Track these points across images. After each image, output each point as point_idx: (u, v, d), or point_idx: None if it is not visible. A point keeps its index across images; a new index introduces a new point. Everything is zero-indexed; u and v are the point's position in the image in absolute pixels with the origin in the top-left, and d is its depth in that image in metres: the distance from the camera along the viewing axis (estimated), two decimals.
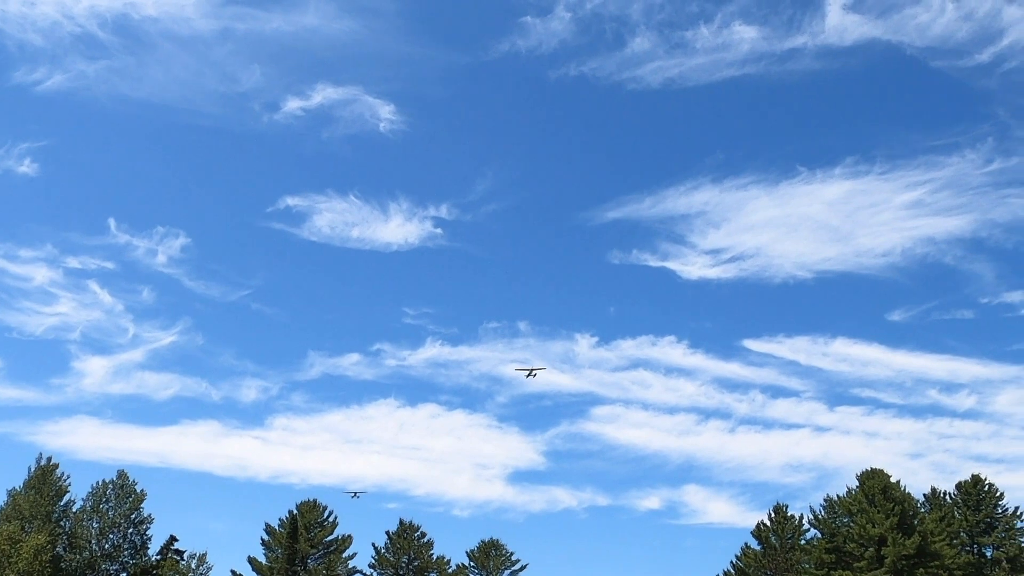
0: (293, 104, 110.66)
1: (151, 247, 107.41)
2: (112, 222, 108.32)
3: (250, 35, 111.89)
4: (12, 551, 64.10)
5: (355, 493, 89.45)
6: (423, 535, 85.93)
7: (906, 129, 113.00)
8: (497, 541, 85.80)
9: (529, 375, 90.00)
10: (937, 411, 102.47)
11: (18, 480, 73.44)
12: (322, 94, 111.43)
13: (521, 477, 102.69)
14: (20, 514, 70.82)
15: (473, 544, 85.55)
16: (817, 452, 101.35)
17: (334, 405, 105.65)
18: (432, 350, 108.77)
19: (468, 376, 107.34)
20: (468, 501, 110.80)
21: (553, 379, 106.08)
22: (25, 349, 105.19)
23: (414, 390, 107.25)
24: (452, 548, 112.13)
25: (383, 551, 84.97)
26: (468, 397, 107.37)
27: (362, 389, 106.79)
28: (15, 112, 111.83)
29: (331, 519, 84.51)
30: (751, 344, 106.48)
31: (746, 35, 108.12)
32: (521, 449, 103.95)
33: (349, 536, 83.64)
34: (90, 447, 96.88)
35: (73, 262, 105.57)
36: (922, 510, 78.04)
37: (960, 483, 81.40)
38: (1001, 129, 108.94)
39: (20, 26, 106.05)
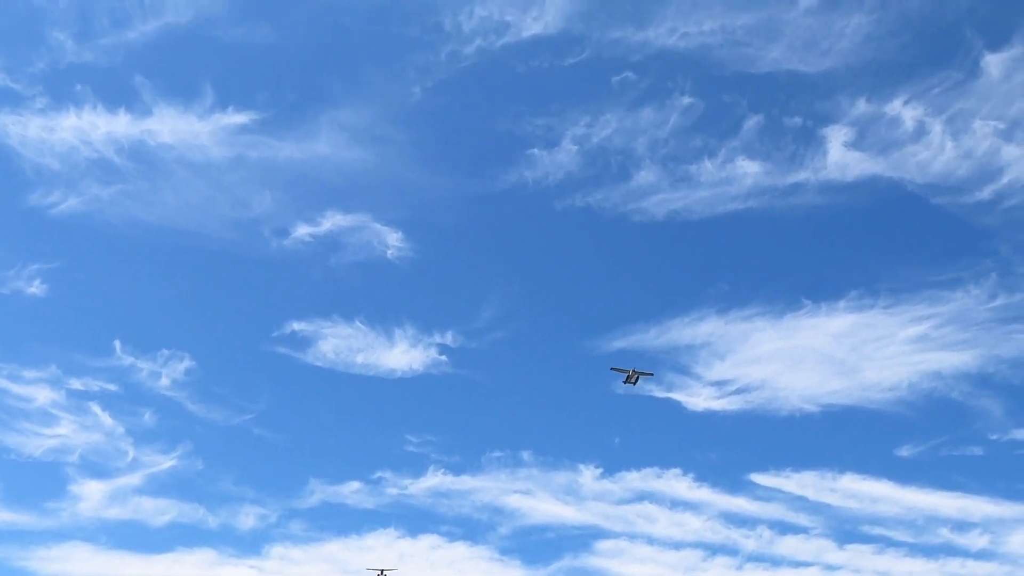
0: (302, 230, 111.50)
1: (155, 369, 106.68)
2: (118, 344, 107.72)
3: (262, 162, 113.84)
4: None
5: (381, 572, 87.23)
6: None
7: (909, 264, 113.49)
8: None
9: (628, 380, 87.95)
10: (950, 551, 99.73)
11: None
12: (331, 220, 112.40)
13: None
14: None
15: None
16: None
17: (333, 534, 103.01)
18: (434, 479, 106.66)
19: (470, 506, 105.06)
20: None
21: (556, 511, 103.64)
22: (23, 471, 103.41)
23: (415, 520, 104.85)
24: None
25: None
26: (470, 528, 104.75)
27: (362, 518, 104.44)
28: (29, 234, 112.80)
29: None
30: (758, 478, 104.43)
31: (749, 169, 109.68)
32: None
33: None
34: (83, 574, 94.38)
35: (76, 383, 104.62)
36: None
37: None
38: (1004, 265, 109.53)
39: (39, 150, 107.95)
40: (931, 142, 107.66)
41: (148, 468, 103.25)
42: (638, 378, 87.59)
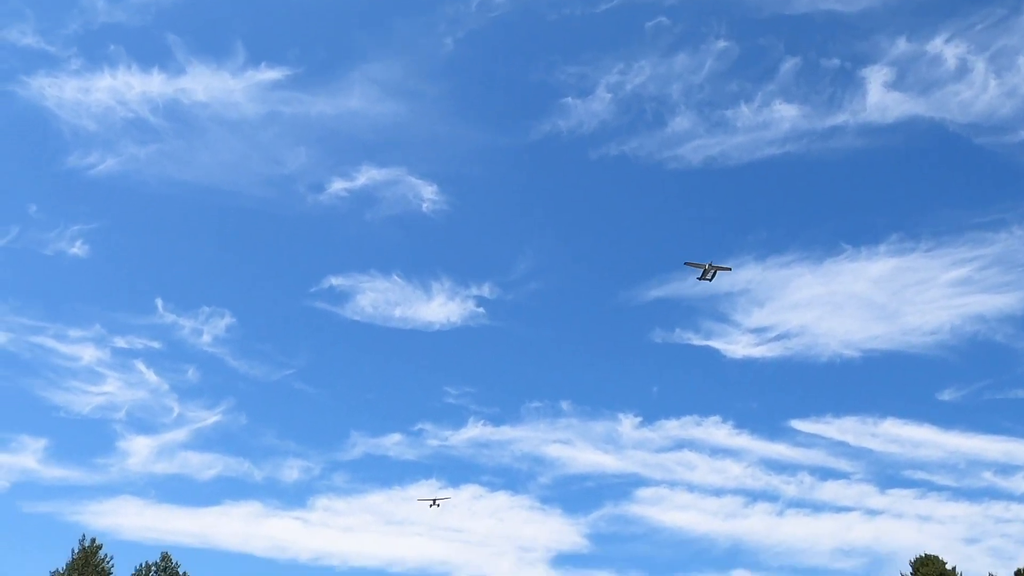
0: (338, 185, 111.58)
1: (197, 327, 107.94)
2: (159, 302, 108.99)
3: (296, 118, 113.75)
4: None
5: (434, 500, 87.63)
6: None
7: (951, 206, 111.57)
8: None
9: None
10: (993, 494, 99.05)
11: (61, 561, 73.45)
12: (366, 175, 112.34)
13: (564, 560, 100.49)
14: None
15: None
16: (869, 536, 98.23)
17: (376, 486, 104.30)
18: (474, 430, 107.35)
19: (510, 456, 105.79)
20: None
21: (597, 459, 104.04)
22: (72, 428, 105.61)
23: (456, 471, 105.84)
24: None
25: None
26: (510, 478, 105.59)
27: (404, 469, 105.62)
28: (68, 195, 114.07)
29: None
30: (798, 424, 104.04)
31: (787, 113, 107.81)
32: (564, 531, 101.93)
33: None
34: (133, 527, 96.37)
35: (120, 342, 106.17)
36: None
37: (1019, 570, 78.56)
38: None
39: (75, 112, 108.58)
40: (973, 81, 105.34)
41: (193, 424, 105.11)
42: (715, 273, 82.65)
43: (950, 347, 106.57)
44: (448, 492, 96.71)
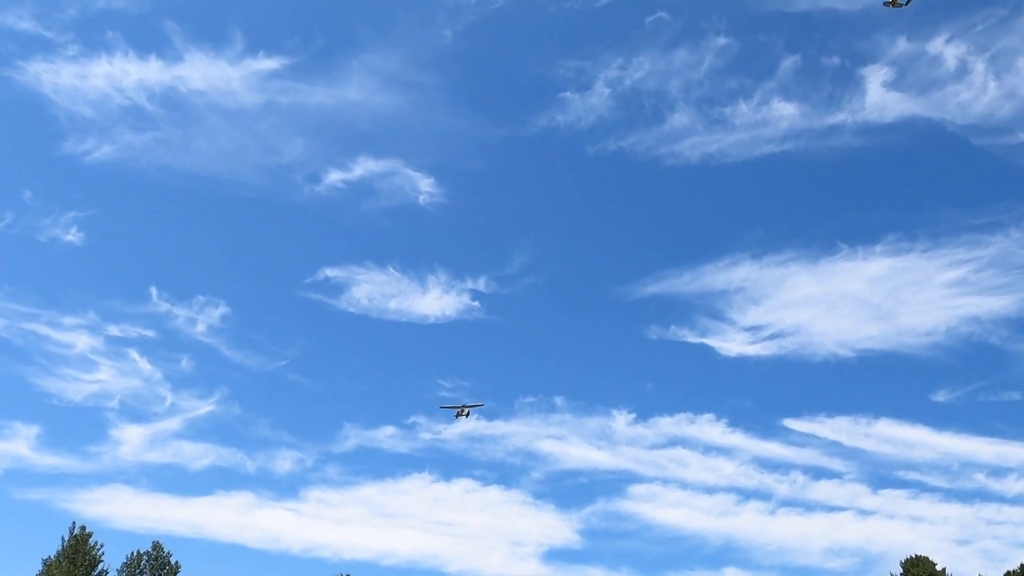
0: (334, 176, 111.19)
1: (191, 316, 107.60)
2: (154, 291, 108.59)
3: (294, 108, 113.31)
4: None
5: (462, 407, 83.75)
6: None
7: (948, 207, 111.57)
8: None
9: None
10: (985, 496, 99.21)
11: (52, 549, 73.25)
12: (363, 166, 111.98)
13: (556, 555, 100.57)
14: None
15: None
16: (861, 536, 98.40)
17: (368, 478, 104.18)
18: (468, 424, 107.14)
19: (503, 451, 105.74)
20: None
21: (590, 455, 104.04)
22: (64, 416, 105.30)
23: (449, 464, 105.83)
24: None
25: None
26: (503, 473, 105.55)
27: (396, 462, 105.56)
28: (63, 182, 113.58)
29: None
30: (792, 423, 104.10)
31: (785, 112, 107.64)
32: (556, 527, 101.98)
33: None
34: (125, 516, 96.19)
35: (114, 330, 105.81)
36: None
37: (1009, 572, 78.79)
38: None
39: (72, 98, 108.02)
40: (973, 81, 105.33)
41: (186, 413, 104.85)
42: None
43: (945, 348, 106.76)
44: (439, 488, 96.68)
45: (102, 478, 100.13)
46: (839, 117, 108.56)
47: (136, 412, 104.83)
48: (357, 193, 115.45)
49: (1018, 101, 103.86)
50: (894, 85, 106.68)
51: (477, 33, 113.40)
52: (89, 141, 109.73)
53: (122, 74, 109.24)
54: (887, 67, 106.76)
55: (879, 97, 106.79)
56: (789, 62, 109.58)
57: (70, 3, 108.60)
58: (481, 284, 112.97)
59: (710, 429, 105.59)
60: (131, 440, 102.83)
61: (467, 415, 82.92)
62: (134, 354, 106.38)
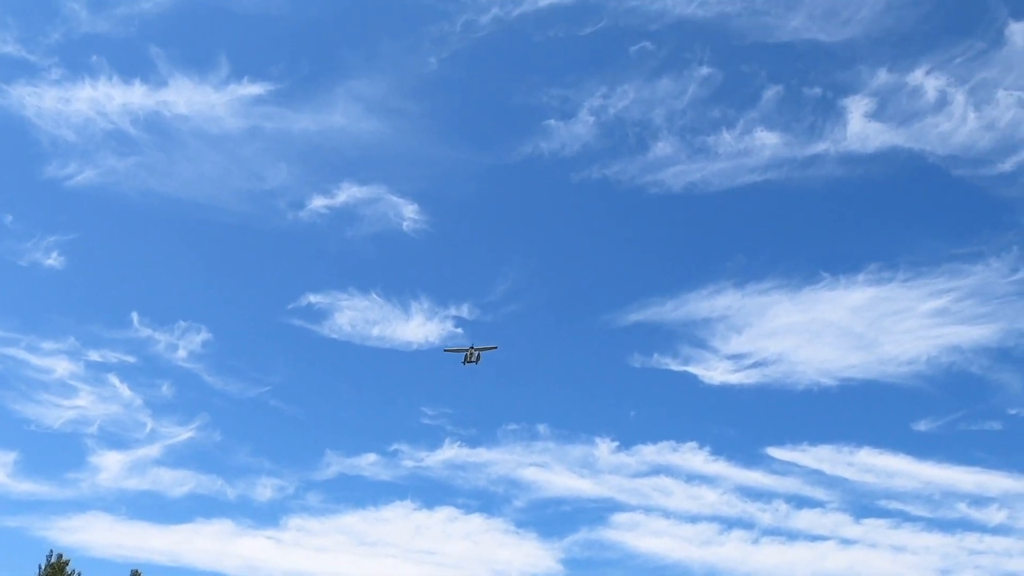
0: (318, 202, 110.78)
1: (172, 341, 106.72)
2: (135, 316, 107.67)
3: (278, 134, 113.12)
4: None
5: (472, 350, 75.77)
6: None
7: (929, 237, 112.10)
8: None
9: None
10: (967, 525, 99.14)
11: None
12: (347, 192, 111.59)
13: None
14: None
15: None
16: (843, 566, 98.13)
17: (350, 506, 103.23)
18: (450, 451, 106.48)
19: (486, 479, 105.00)
20: None
21: (573, 484, 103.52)
22: (42, 442, 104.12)
23: (431, 492, 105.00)
24: None
25: None
26: (486, 501, 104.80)
27: (378, 490, 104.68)
28: (45, 206, 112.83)
29: None
30: (774, 452, 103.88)
31: (768, 141, 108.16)
32: (539, 555, 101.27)
33: None
34: (103, 544, 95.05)
35: (95, 355, 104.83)
36: None
37: None
38: None
39: (55, 122, 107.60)
40: (953, 112, 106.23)
41: (166, 439, 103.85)
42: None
43: (926, 377, 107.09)
44: (421, 516, 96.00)
45: (80, 505, 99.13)
46: (821, 147, 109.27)
47: (115, 438, 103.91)
48: (341, 219, 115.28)
49: (997, 132, 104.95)
50: (875, 116, 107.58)
51: (462, 60, 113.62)
52: (71, 165, 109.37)
53: (106, 98, 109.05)
54: (868, 98, 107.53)
55: (860, 127, 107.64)
56: (772, 92, 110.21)
57: (55, 27, 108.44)
58: (464, 311, 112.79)
59: (693, 457, 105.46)
60: (110, 467, 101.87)
61: (477, 360, 77.22)
62: (114, 380, 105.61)
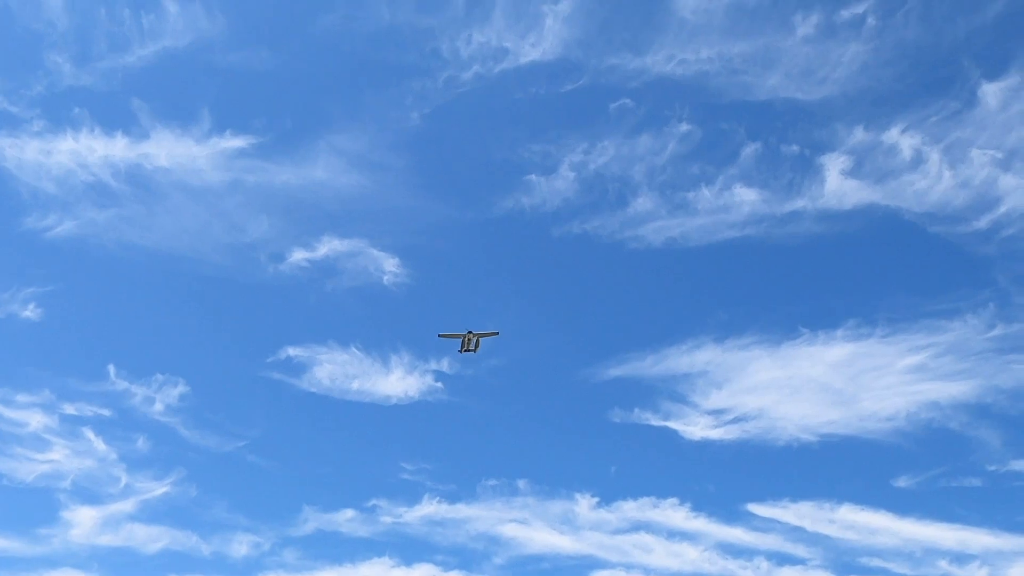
0: (299, 255, 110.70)
1: (149, 395, 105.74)
2: (112, 368, 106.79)
3: (259, 187, 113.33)
4: None
5: (470, 336, 69.64)
6: None
7: (907, 293, 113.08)
8: None
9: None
10: None
11: None
12: (328, 246, 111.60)
13: None
14: None
15: None
16: None
17: (327, 562, 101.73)
18: (429, 507, 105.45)
19: (465, 535, 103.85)
20: None
21: (553, 540, 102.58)
22: (15, 497, 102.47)
23: (409, 549, 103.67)
24: None
25: None
26: (465, 558, 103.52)
27: (356, 547, 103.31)
28: (24, 258, 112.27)
29: None
30: (755, 508, 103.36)
31: (747, 197, 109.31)
32: None
33: None
34: None
35: (70, 408, 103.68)
36: None
37: None
38: (1002, 295, 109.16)
39: (35, 174, 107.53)
40: (928, 171, 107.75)
41: (141, 494, 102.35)
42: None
43: (906, 433, 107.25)
44: (399, 573, 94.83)
45: (51, 562, 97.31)
46: (799, 203, 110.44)
47: (89, 493, 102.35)
48: (321, 272, 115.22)
49: (972, 191, 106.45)
50: (852, 173, 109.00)
51: (444, 116, 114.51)
52: (51, 217, 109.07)
53: (87, 151, 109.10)
54: (845, 155, 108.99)
55: (838, 184, 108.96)
56: (750, 149, 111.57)
57: (37, 80, 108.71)
58: (445, 365, 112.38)
59: (674, 514, 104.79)
60: (83, 522, 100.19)
61: (476, 347, 69.65)
62: (89, 433, 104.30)
